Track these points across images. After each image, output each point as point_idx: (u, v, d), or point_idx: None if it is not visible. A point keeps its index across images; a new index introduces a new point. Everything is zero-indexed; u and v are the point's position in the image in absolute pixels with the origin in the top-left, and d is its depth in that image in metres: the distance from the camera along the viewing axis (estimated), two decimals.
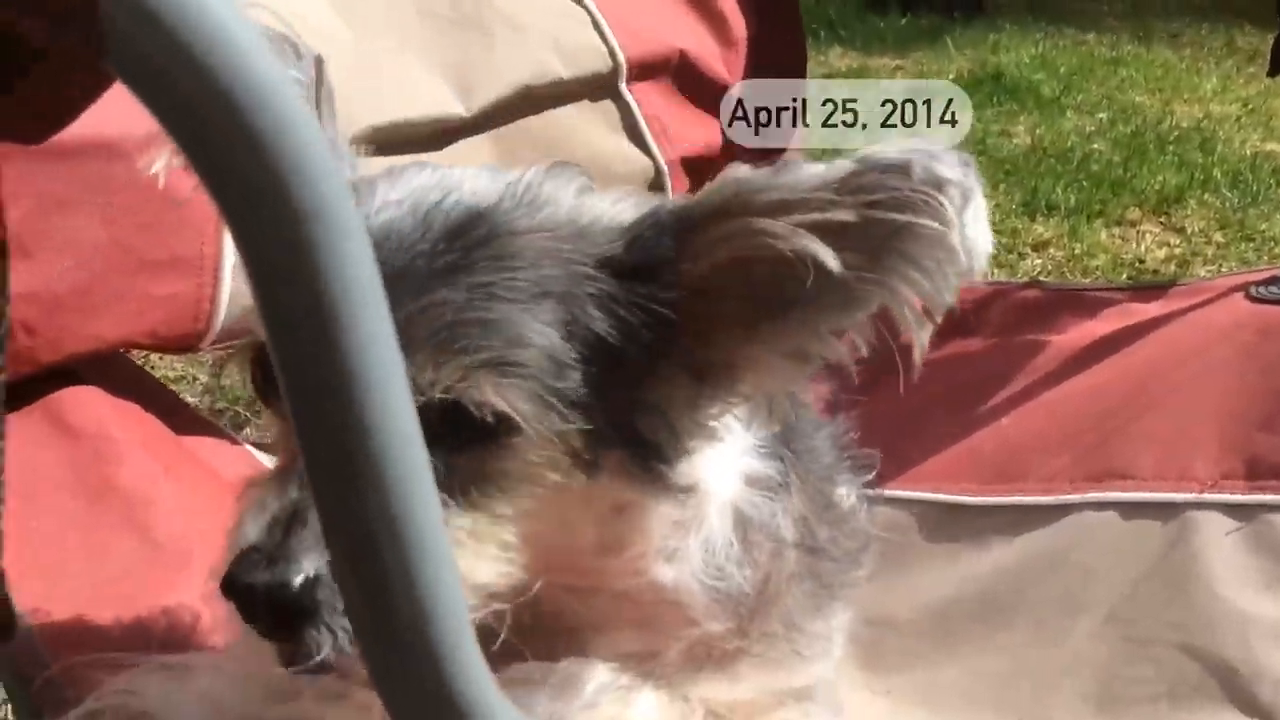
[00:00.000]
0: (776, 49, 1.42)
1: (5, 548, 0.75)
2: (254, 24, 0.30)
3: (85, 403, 0.90)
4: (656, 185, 1.30)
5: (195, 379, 1.93)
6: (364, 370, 0.34)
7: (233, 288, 0.96)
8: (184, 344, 0.99)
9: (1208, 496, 0.87)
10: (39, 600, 0.74)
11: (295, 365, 0.34)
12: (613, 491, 0.61)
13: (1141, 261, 2.43)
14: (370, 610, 0.38)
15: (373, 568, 0.37)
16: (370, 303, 0.34)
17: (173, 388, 1.46)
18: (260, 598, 0.53)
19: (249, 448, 1.03)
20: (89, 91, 0.36)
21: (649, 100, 1.28)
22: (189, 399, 1.45)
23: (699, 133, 1.35)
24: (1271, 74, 1.16)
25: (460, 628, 0.39)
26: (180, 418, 1.01)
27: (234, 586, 0.54)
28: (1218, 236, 2.57)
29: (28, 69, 0.34)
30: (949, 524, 0.98)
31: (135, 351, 1.10)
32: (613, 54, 1.24)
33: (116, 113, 0.92)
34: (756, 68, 1.38)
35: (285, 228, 0.32)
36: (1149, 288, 1.13)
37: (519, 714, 0.43)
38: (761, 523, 0.67)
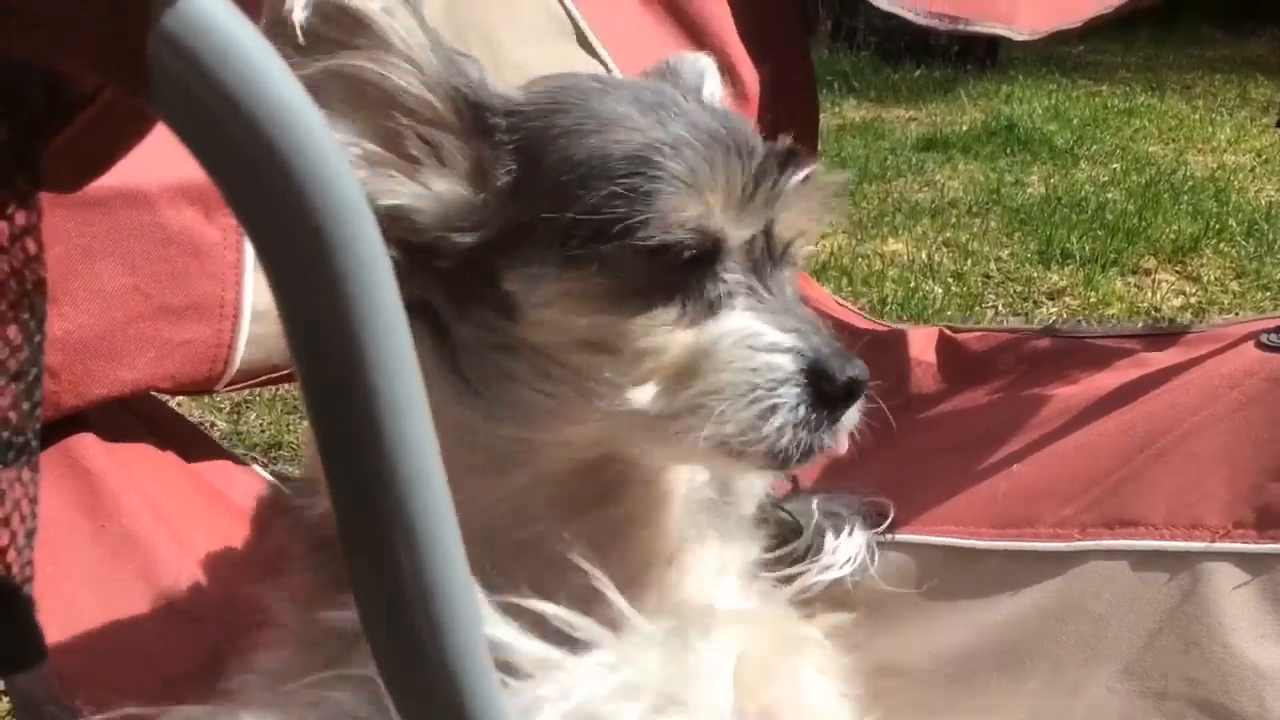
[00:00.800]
0: (788, 102, 1.44)
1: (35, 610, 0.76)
2: (291, 71, 0.32)
3: (103, 446, 0.91)
4: None
5: (213, 425, 1.95)
6: (386, 397, 0.35)
7: (250, 332, 0.98)
8: (201, 386, 1.01)
9: (1219, 546, 0.87)
10: (54, 649, 0.75)
11: (321, 391, 0.35)
12: None
13: (1157, 310, 2.43)
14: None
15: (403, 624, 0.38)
16: (394, 329, 0.35)
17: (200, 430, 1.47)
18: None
19: (264, 474, 1.04)
20: (129, 137, 0.38)
21: None
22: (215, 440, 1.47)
23: None
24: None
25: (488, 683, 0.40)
26: (199, 449, 1.02)
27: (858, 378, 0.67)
28: (1233, 285, 2.57)
29: (74, 115, 0.35)
30: (961, 569, 0.98)
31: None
32: None
33: (142, 164, 0.95)
34: (768, 119, 1.40)
35: (316, 261, 0.33)
36: (1160, 335, 1.13)
37: None
38: None
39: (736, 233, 0.68)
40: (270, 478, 1.04)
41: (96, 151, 0.40)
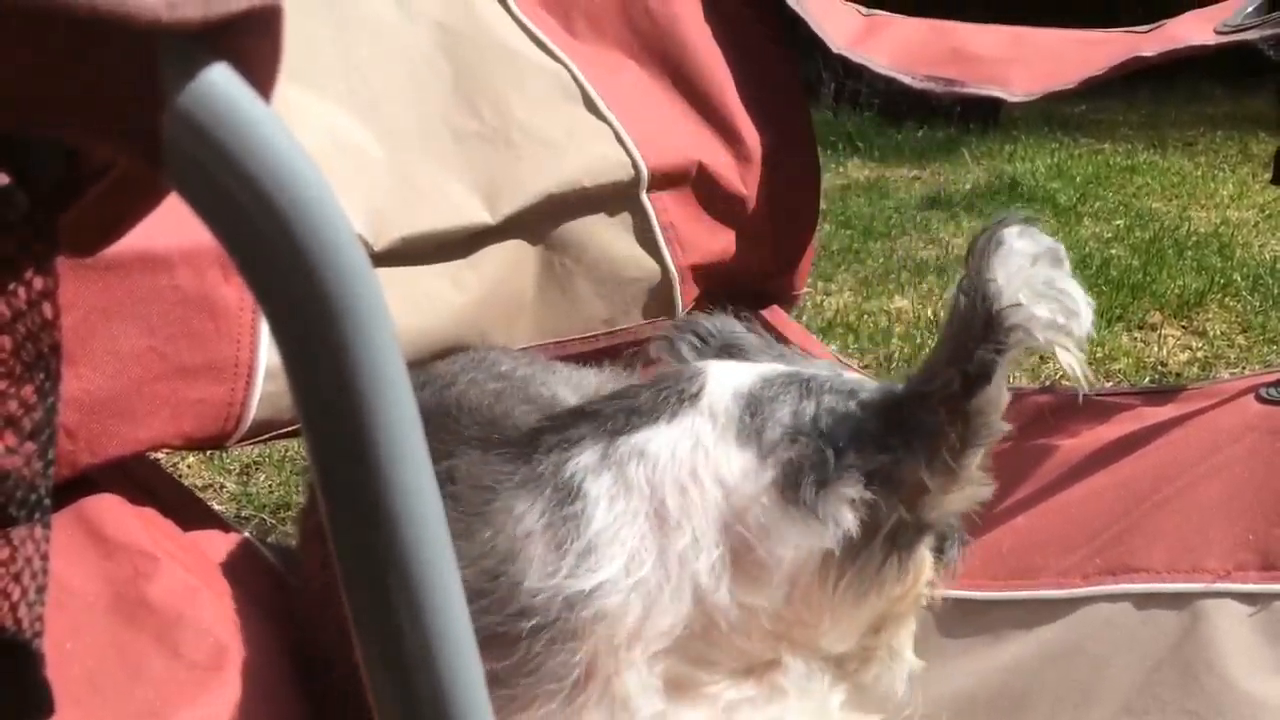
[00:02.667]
0: (790, 164, 1.46)
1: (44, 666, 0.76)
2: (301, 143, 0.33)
3: (119, 512, 0.91)
4: (664, 290, 1.34)
5: (222, 486, 1.96)
6: (387, 452, 0.36)
7: (262, 390, 0.99)
8: (211, 444, 1.02)
9: (1219, 586, 0.87)
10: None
11: (327, 455, 0.37)
12: None
13: (1164, 365, 2.43)
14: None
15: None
16: (398, 393, 0.36)
17: (200, 495, 1.48)
18: None
19: (266, 552, 1.04)
20: (144, 205, 0.39)
21: (666, 209, 1.33)
22: (216, 506, 1.48)
23: (713, 242, 1.39)
24: (1276, 181, 1.19)
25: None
26: (204, 524, 1.03)
27: None
28: (1240, 340, 2.57)
29: (91, 185, 0.37)
30: (964, 620, 0.98)
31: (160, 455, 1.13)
32: (635, 165, 1.29)
33: (161, 228, 0.97)
34: (771, 181, 1.42)
35: (323, 327, 0.34)
36: (1160, 391, 1.14)
37: None
38: None
39: None
40: (261, 547, 1.05)
41: (112, 218, 0.41)
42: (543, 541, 0.76)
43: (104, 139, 0.33)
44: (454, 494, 0.78)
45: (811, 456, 0.78)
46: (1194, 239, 3.35)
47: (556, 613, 0.73)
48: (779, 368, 0.88)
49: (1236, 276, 2.93)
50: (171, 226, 0.92)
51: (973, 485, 0.82)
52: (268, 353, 0.99)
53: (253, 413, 1.00)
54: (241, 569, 0.98)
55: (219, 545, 1.00)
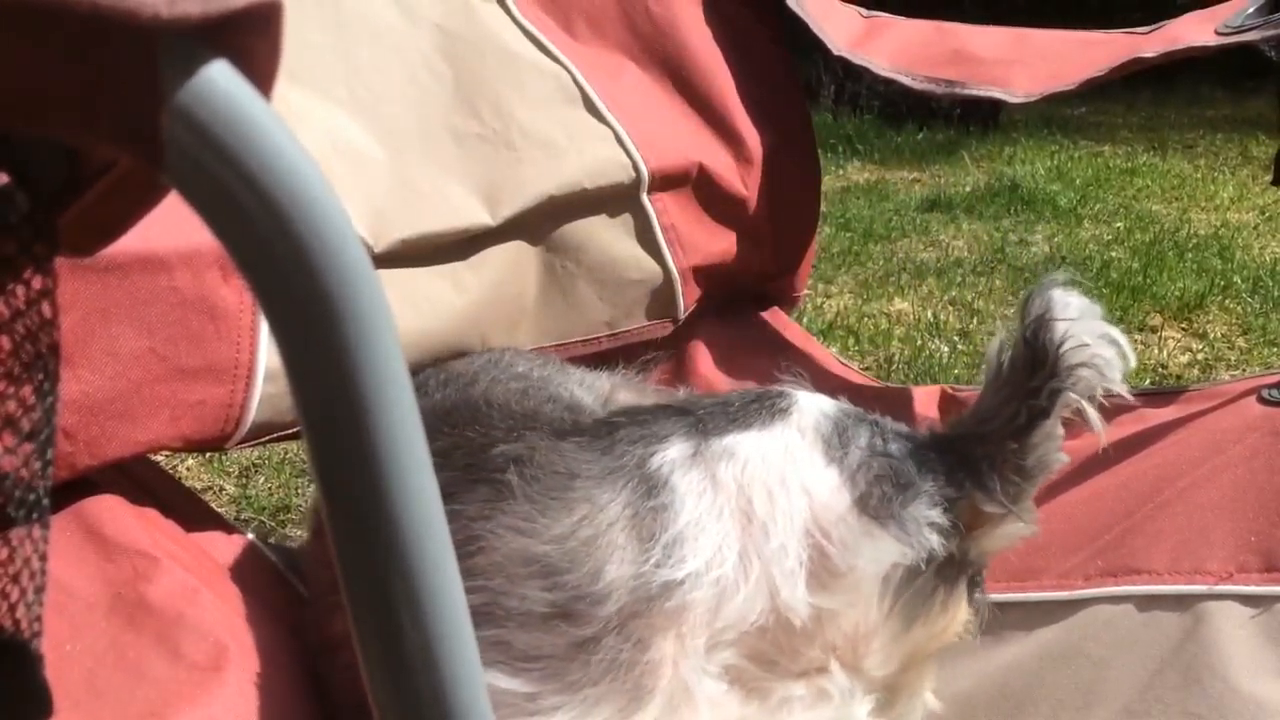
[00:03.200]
0: (791, 165, 1.46)
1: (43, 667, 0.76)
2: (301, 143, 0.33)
3: (119, 513, 0.91)
4: (666, 291, 1.34)
5: (222, 489, 1.96)
6: (389, 455, 0.36)
7: (263, 392, 0.99)
8: (211, 446, 1.02)
9: (1221, 588, 0.87)
10: None
11: (328, 457, 0.36)
12: None
13: (1164, 367, 2.43)
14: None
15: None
16: (399, 394, 0.36)
17: (200, 498, 1.48)
18: None
19: (268, 552, 1.04)
20: (144, 204, 0.39)
21: (667, 210, 1.33)
22: (215, 509, 1.48)
23: (714, 243, 1.39)
24: (1276, 183, 1.19)
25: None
26: (205, 524, 1.03)
27: None
28: (1240, 342, 2.57)
29: (91, 185, 0.37)
30: None
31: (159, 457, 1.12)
32: (635, 166, 1.29)
33: (160, 229, 0.97)
34: (772, 182, 1.42)
35: (324, 328, 0.34)
36: (1162, 393, 1.14)
37: None
38: None
39: None
40: (264, 547, 1.04)
41: (111, 218, 0.41)
42: (628, 531, 0.79)
43: (104, 138, 0.33)
44: (530, 476, 0.81)
45: (892, 480, 0.84)
46: (1194, 241, 3.35)
47: (637, 600, 0.76)
48: (849, 405, 0.94)
49: (1236, 278, 2.93)
50: (170, 228, 0.92)
51: (1020, 522, 0.88)
52: (268, 354, 0.99)
53: (252, 414, 1.00)
54: (243, 569, 0.98)
55: (220, 545, 1.00)
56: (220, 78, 0.32)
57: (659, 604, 0.76)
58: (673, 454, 0.83)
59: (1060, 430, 0.88)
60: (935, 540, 0.83)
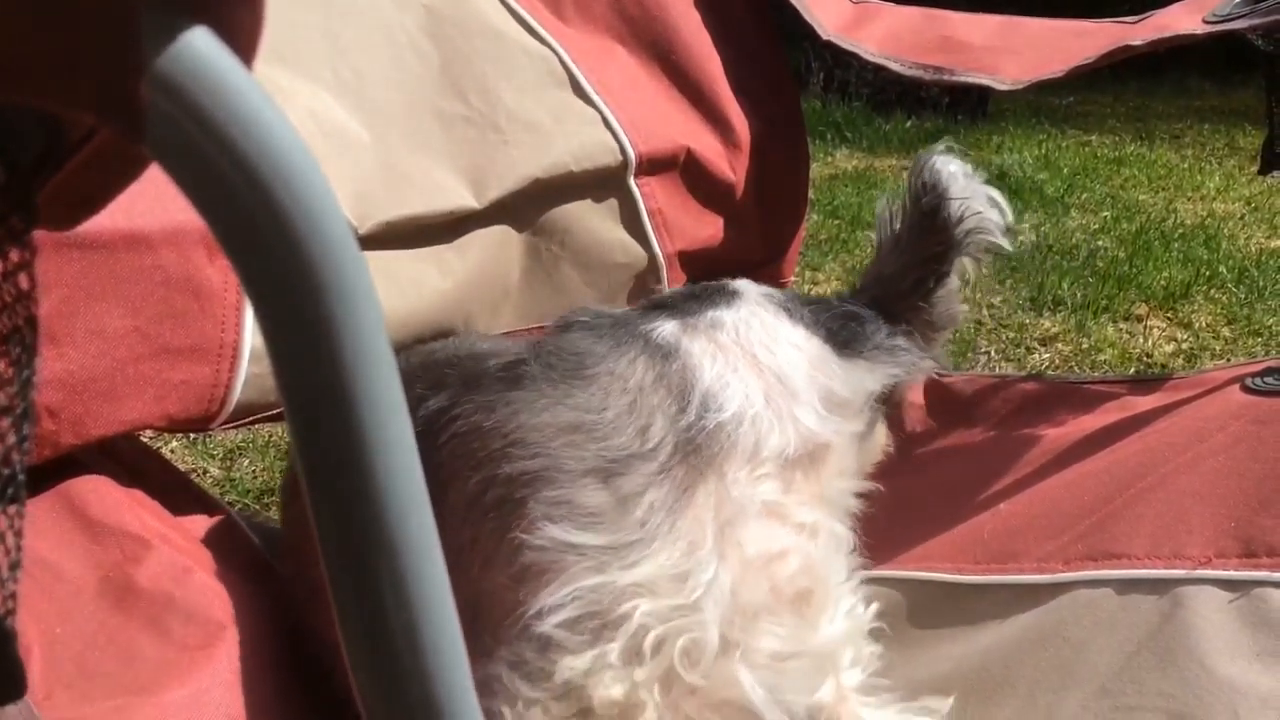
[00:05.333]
0: (779, 151, 1.46)
1: (34, 655, 0.76)
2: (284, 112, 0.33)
3: (105, 494, 0.91)
4: (651, 276, 1.34)
5: (206, 472, 1.95)
6: (374, 436, 0.35)
7: (248, 372, 0.99)
8: (195, 426, 1.01)
9: (1200, 573, 0.88)
10: (67, 712, 0.74)
11: (310, 436, 0.36)
12: None
13: (1149, 356, 2.44)
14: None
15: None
16: (383, 372, 0.36)
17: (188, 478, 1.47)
18: None
19: (248, 530, 1.04)
20: (124, 177, 0.39)
21: (654, 195, 1.33)
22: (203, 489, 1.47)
23: (701, 229, 1.38)
24: (1262, 172, 1.19)
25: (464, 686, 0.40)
26: (193, 505, 1.02)
27: None
28: (1225, 331, 2.59)
29: (72, 156, 0.36)
30: (943, 603, 0.99)
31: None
32: (623, 150, 1.29)
33: (145, 207, 0.96)
34: (760, 168, 1.42)
35: (307, 303, 0.34)
36: (1146, 381, 1.15)
37: None
38: None
39: None
40: (248, 529, 1.04)
41: (91, 190, 0.41)
42: (660, 391, 0.85)
43: (84, 107, 0.32)
44: (546, 363, 0.87)
45: (855, 322, 0.99)
46: (1180, 231, 3.36)
47: (690, 448, 0.83)
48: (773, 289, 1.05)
49: (1222, 268, 2.94)
50: (155, 207, 0.91)
51: (933, 361, 1.06)
52: (253, 335, 0.98)
53: (237, 394, 0.99)
54: (232, 549, 0.98)
55: (208, 526, 0.99)
56: (202, 46, 0.31)
57: (709, 449, 0.83)
58: (669, 328, 0.91)
59: (956, 283, 1.06)
60: (911, 359, 0.98)
